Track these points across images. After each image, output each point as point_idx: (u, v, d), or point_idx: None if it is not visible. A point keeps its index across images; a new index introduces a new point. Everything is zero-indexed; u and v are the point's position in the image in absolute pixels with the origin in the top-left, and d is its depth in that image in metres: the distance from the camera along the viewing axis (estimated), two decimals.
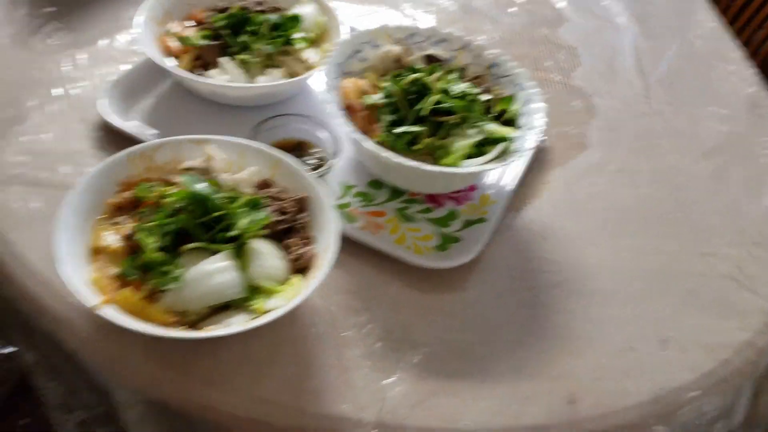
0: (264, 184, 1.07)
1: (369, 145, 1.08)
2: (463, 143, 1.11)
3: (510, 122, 1.18)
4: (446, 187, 1.19)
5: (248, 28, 1.29)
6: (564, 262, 1.16)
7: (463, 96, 1.14)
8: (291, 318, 0.90)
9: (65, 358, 1.10)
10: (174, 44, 1.29)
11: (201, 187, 0.96)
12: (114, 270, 0.93)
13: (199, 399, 0.92)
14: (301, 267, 0.97)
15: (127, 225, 0.98)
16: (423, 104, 1.12)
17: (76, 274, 0.89)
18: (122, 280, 0.92)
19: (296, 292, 0.92)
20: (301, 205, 1.04)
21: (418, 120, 1.13)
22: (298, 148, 1.22)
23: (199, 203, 0.95)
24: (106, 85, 1.27)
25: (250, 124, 1.20)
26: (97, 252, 0.96)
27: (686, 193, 1.32)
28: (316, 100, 1.36)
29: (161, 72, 1.32)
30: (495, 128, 1.14)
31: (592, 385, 0.99)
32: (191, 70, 1.26)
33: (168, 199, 0.97)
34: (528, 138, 1.13)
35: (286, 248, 0.99)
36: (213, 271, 0.91)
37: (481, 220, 1.17)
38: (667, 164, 1.38)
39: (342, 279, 1.06)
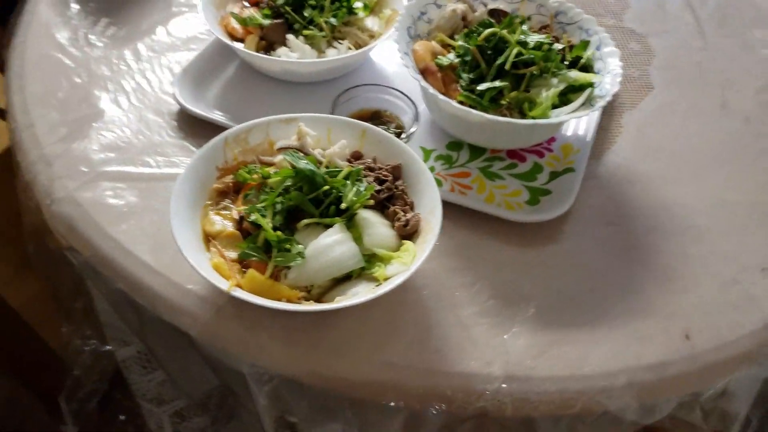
0: (356, 156, 1.08)
1: (455, 106, 1.08)
2: (548, 93, 1.11)
3: (586, 68, 1.18)
4: (531, 141, 1.19)
5: (311, 2, 1.28)
6: (654, 204, 1.16)
7: (540, 46, 1.14)
8: (404, 283, 0.91)
9: (174, 348, 1.13)
10: (236, 26, 1.29)
11: (304, 164, 0.97)
12: (232, 253, 0.94)
13: (329, 371, 0.94)
14: (408, 233, 0.99)
15: (236, 208, 0.99)
16: (504, 58, 1.12)
17: (199, 261, 0.91)
18: (242, 263, 0.94)
19: (412, 257, 0.94)
20: (396, 172, 1.05)
21: (498, 75, 1.13)
22: (374, 118, 1.22)
23: (306, 180, 0.96)
24: (177, 74, 1.27)
25: (319, 100, 1.21)
26: (210, 237, 0.97)
27: (757, 125, 1.32)
28: (382, 68, 1.36)
29: (228, 56, 1.32)
30: (578, 75, 1.13)
31: (703, 320, 1.01)
32: (257, 51, 1.26)
33: (273, 179, 0.98)
34: (609, 82, 1.13)
35: (393, 215, 1.00)
36: (332, 244, 0.92)
37: (568, 170, 1.18)
38: (732, 96, 1.37)
39: (441, 242, 1.07)
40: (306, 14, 1.27)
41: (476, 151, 1.22)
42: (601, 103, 1.09)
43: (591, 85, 1.13)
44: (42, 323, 1.64)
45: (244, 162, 1.06)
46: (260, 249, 0.93)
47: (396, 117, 1.22)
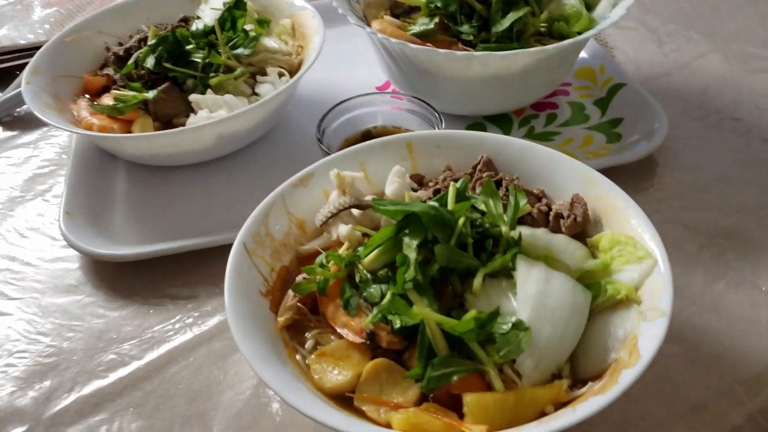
0: (417, 179, 0.72)
1: (499, 55, 0.77)
2: (572, 3, 0.85)
3: None
4: (563, 75, 0.92)
5: (190, 48, 0.88)
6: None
7: None
8: None
9: None
10: (101, 122, 0.85)
11: (418, 204, 0.59)
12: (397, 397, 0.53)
13: None
14: (580, 228, 0.65)
15: (348, 332, 0.57)
16: None
17: None
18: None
19: (632, 244, 0.61)
20: (491, 167, 0.71)
21: (507, 8, 0.84)
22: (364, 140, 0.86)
23: (437, 224, 0.58)
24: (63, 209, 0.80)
25: (263, 167, 0.88)
26: (334, 394, 0.55)
27: None
28: (322, 83, 1.01)
29: (107, 165, 0.88)
30: None
31: None
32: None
33: (367, 255, 0.59)
34: None
35: (546, 218, 0.66)
36: (545, 288, 0.56)
37: (620, 86, 0.93)
38: None
39: None
40: (197, 59, 0.87)
41: (503, 121, 0.92)
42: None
43: None
44: None
45: (286, 268, 0.65)
46: (448, 361, 0.53)
47: (395, 129, 0.87)
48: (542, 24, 0.84)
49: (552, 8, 0.86)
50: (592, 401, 0.49)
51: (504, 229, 0.60)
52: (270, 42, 0.95)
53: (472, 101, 0.87)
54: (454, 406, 0.53)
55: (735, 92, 0.96)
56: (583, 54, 0.99)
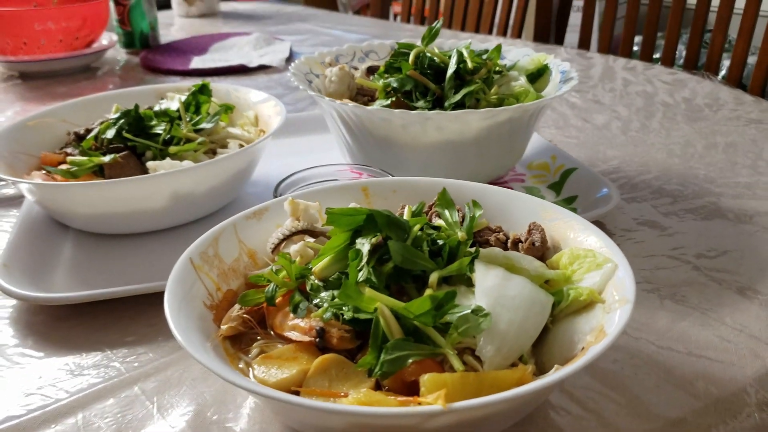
0: None
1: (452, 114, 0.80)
2: (521, 81, 0.91)
3: None
4: (519, 149, 0.95)
5: (152, 123, 0.90)
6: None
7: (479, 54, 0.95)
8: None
9: None
10: None
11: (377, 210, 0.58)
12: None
13: None
14: (537, 252, 0.64)
15: (297, 334, 0.53)
16: (457, 64, 0.89)
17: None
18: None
19: (591, 256, 0.59)
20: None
21: (459, 86, 0.89)
22: None
23: (392, 226, 0.56)
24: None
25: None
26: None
27: None
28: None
29: (54, 233, 0.84)
30: (532, 58, 0.97)
31: None
32: None
33: (319, 265, 0.56)
34: (560, 62, 0.97)
35: (513, 246, 0.65)
36: (503, 283, 0.53)
37: (572, 170, 0.97)
38: None
39: None
40: (159, 131, 0.88)
41: None
42: (574, 82, 0.91)
43: (546, 67, 0.96)
44: None
45: (233, 291, 0.61)
46: (403, 345, 0.49)
47: None
48: (493, 97, 0.88)
49: (502, 90, 0.91)
50: (556, 373, 0.45)
51: (460, 234, 0.58)
52: (233, 130, 0.98)
53: (430, 171, 0.88)
54: (410, 395, 0.48)
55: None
56: (534, 148, 1.03)
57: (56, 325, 0.71)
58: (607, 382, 0.60)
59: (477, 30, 2.14)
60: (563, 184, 0.96)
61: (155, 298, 0.70)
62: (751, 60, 1.82)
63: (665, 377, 0.61)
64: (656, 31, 1.82)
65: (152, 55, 1.76)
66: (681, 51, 2.40)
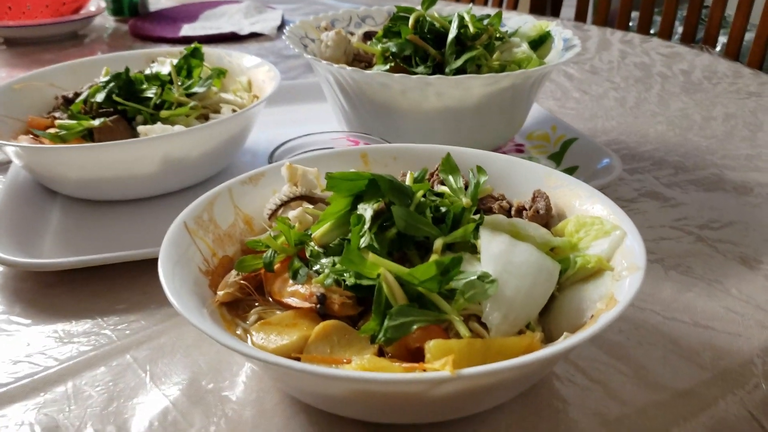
0: None
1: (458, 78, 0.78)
2: (523, 47, 0.89)
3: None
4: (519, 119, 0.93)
5: (143, 87, 0.87)
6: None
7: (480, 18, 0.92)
8: None
9: None
10: None
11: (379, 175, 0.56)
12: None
13: None
14: (542, 221, 0.62)
15: (296, 300, 0.51)
16: (459, 29, 0.86)
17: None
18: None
19: (597, 222, 0.58)
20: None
21: (460, 51, 0.86)
22: None
23: (395, 192, 0.55)
24: None
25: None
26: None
27: None
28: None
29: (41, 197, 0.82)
30: (534, 24, 0.94)
31: None
32: None
33: (318, 231, 0.54)
34: (561, 30, 0.95)
35: (517, 213, 0.63)
36: (509, 250, 0.52)
37: (572, 140, 0.95)
38: None
39: None
40: (150, 95, 0.86)
41: None
42: (577, 49, 0.89)
43: (548, 34, 0.94)
44: None
45: (229, 258, 0.59)
46: (408, 311, 0.47)
47: None
48: (495, 63, 0.86)
49: (504, 56, 0.89)
50: (567, 340, 0.44)
51: (465, 200, 0.57)
52: (225, 96, 0.95)
53: (429, 139, 0.86)
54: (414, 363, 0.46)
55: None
56: (534, 119, 1.01)
57: (44, 292, 0.69)
58: (613, 352, 0.59)
59: (473, 1, 2.11)
60: (564, 154, 0.94)
61: (147, 266, 0.68)
62: (749, 36, 1.80)
63: (672, 348, 0.60)
64: (653, 6, 1.80)
65: (141, 23, 1.71)
66: (677, 27, 2.38)
